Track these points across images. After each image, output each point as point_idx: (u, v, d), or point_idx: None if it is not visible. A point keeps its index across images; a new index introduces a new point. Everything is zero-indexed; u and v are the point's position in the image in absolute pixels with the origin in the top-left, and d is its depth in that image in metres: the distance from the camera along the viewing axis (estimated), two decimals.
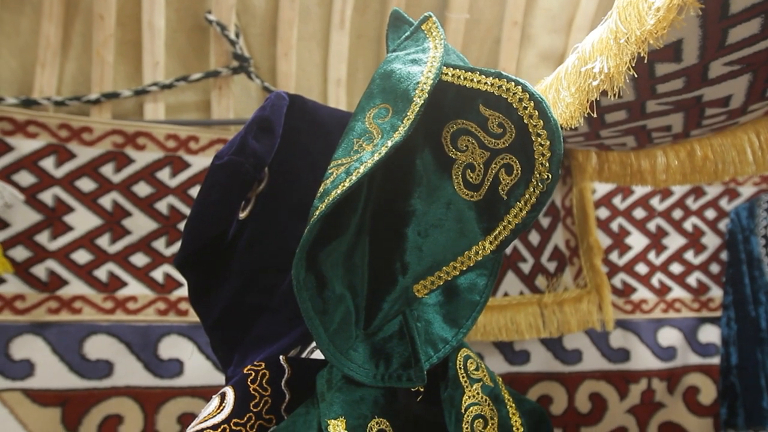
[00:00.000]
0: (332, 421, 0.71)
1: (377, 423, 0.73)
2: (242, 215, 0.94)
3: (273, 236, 0.93)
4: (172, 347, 1.50)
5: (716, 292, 1.93)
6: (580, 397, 1.79)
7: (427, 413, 0.87)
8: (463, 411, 0.81)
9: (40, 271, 1.46)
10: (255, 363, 0.80)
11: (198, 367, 1.49)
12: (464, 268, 0.76)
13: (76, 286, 1.47)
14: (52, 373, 1.43)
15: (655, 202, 1.91)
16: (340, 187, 0.69)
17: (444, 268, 0.77)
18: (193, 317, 1.52)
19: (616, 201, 1.89)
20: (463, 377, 0.83)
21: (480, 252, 0.75)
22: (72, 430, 1.43)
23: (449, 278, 0.77)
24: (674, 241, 1.92)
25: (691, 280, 1.92)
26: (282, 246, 0.91)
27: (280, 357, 0.82)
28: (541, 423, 0.91)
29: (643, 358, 1.83)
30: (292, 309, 0.89)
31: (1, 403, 1.40)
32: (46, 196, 1.47)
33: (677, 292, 1.90)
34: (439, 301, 0.83)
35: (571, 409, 1.77)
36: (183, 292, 1.52)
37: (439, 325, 0.82)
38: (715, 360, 1.90)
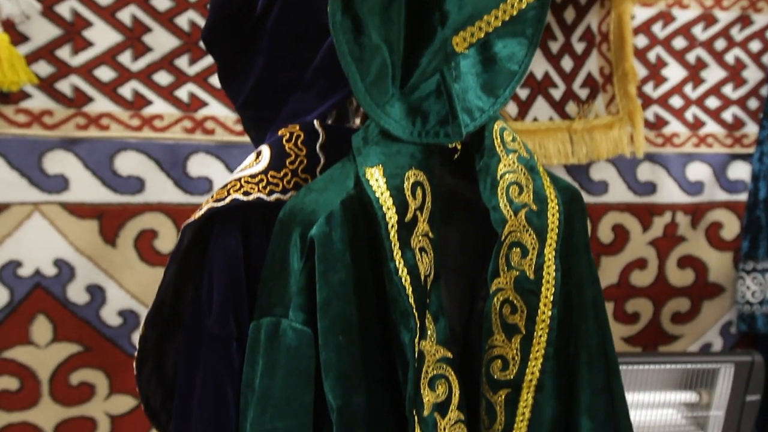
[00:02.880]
0: (369, 168, 0.71)
1: (414, 174, 0.73)
2: None
3: (304, 11, 0.88)
4: (201, 165, 1.51)
5: (751, 129, 1.87)
6: (603, 227, 1.80)
7: (461, 188, 0.87)
8: (498, 178, 0.81)
9: (64, 86, 1.44)
10: (289, 126, 0.80)
11: None
12: (506, 18, 0.73)
13: (101, 104, 1.47)
14: (86, 187, 1.46)
15: (697, 30, 1.81)
16: None
17: (485, 17, 0.73)
18: (220, 136, 1.52)
19: (656, 29, 1.79)
20: (499, 146, 0.82)
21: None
22: (110, 242, 1.49)
23: (490, 30, 0.74)
24: (713, 74, 1.84)
25: (727, 115, 1.86)
26: (313, 21, 0.87)
27: (314, 121, 0.81)
28: (574, 199, 0.91)
29: (669, 192, 1.83)
30: (324, 85, 0.87)
31: (40, 215, 1.45)
32: (63, 9, 1.42)
33: (711, 127, 1.85)
34: (477, 71, 0.81)
35: (594, 239, 1.80)
36: (208, 111, 1.51)
37: (475, 93, 0.80)
38: (742, 197, 1.88)
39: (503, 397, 0.81)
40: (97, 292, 1.51)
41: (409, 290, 0.68)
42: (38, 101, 1.43)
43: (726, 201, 1.88)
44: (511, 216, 0.80)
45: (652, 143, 1.80)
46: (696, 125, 1.84)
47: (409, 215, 0.71)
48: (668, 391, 1.49)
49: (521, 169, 0.82)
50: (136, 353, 0.76)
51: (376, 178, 0.70)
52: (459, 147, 0.78)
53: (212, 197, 0.71)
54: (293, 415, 0.64)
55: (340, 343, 0.65)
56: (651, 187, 1.82)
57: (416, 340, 0.70)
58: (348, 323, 0.66)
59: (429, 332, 0.74)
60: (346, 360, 0.65)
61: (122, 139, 1.48)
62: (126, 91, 1.48)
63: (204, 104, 1.52)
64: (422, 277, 0.72)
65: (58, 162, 1.45)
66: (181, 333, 0.76)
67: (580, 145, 1.62)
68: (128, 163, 1.48)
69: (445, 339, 0.75)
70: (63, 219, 1.46)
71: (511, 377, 0.81)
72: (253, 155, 0.76)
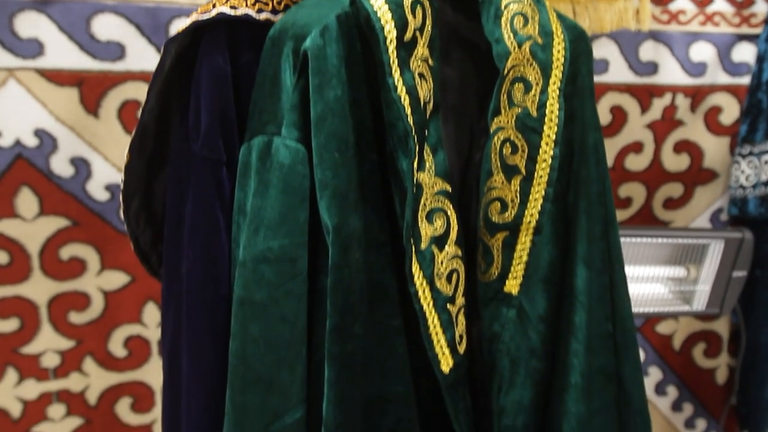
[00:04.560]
0: None
1: None
2: None
3: None
4: None
5: (761, 7, 1.79)
6: (601, 109, 1.76)
7: (462, 26, 0.82)
8: (502, 8, 0.76)
9: None
10: None
11: None
12: None
13: None
14: (62, 52, 1.38)
15: None
16: None
17: None
18: None
19: None
20: None
21: None
22: (92, 112, 1.43)
23: None
24: None
25: None
26: None
27: None
28: (581, 39, 0.87)
29: (671, 72, 1.77)
30: None
31: (16, 81, 1.38)
32: None
33: (719, 4, 1.77)
34: None
35: None
36: None
37: None
38: (745, 80, 1.83)
39: (501, 240, 0.80)
40: (81, 165, 1.47)
41: (408, 110, 0.65)
42: None
43: (728, 84, 1.83)
44: (515, 48, 0.75)
45: (657, 20, 1.73)
46: (704, 2, 1.76)
47: (409, 34, 0.66)
48: (656, 266, 1.51)
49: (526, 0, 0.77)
50: (121, 185, 0.73)
51: None
52: None
53: (197, 11, 0.65)
54: (287, 234, 0.62)
55: (336, 160, 0.62)
56: (652, 67, 1.76)
57: (415, 166, 0.67)
58: (344, 141, 0.63)
59: (427, 164, 0.72)
60: (342, 178, 0.63)
61: (98, 1, 1.38)
62: None
63: None
64: (421, 102, 0.68)
65: (31, 24, 1.37)
66: (168, 164, 0.72)
67: (583, 17, 1.55)
68: (106, 27, 1.40)
69: (444, 171, 0.73)
70: (41, 86, 1.39)
71: (510, 219, 0.79)
72: None
